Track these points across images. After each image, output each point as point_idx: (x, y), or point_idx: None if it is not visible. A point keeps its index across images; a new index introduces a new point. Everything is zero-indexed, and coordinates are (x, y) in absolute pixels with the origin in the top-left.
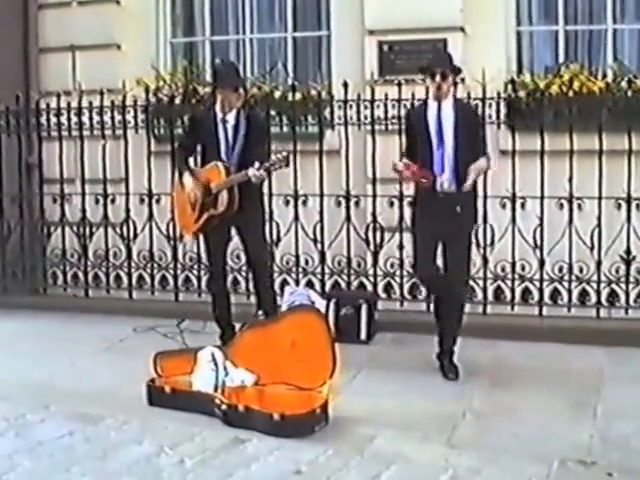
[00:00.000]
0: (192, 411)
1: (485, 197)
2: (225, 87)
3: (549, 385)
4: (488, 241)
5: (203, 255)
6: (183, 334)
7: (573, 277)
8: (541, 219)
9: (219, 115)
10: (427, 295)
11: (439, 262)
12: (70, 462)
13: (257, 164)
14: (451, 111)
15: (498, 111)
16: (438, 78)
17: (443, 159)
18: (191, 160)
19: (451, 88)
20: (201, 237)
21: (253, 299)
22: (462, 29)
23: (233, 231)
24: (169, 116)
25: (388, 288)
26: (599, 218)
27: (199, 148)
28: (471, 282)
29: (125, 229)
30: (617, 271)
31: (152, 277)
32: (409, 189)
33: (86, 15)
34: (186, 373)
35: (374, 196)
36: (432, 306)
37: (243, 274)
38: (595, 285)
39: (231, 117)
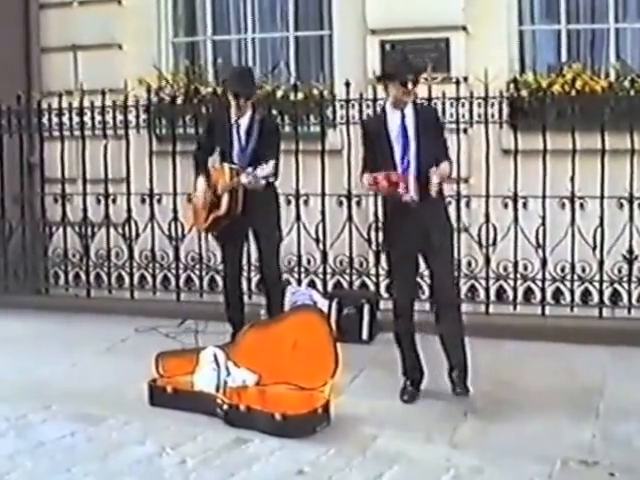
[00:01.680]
0: (194, 411)
1: (487, 197)
2: (234, 92)
3: (551, 385)
4: (490, 241)
5: (205, 255)
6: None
7: (575, 277)
8: (543, 218)
9: (233, 118)
10: (430, 295)
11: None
12: (71, 462)
13: (250, 169)
14: (412, 118)
15: (500, 110)
16: (410, 85)
17: (408, 168)
18: (210, 160)
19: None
20: (211, 240)
21: (255, 299)
22: (464, 28)
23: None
24: (171, 116)
25: (390, 288)
26: (601, 217)
27: (218, 149)
28: (473, 281)
29: (127, 229)
30: (619, 270)
31: (154, 277)
32: None
33: (87, 15)
34: (188, 373)
35: (376, 195)
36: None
37: (245, 274)
38: (598, 284)
39: (244, 121)
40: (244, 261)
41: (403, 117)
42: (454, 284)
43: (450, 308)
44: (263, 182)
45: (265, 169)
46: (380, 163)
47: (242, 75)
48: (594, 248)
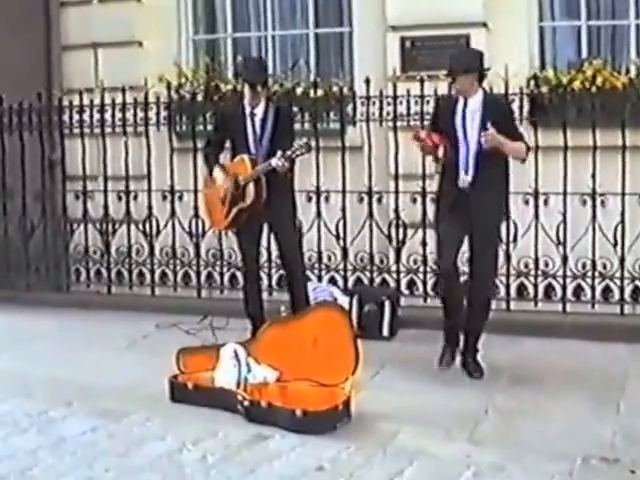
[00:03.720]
0: (214, 407)
1: (508, 193)
2: (250, 81)
3: (572, 382)
4: (511, 237)
5: (225, 251)
6: (214, 330)
7: (596, 273)
8: (564, 215)
9: (247, 109)
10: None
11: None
12: (93, 458)
13: (279, 153)
14: (479, 107)
15: (521, 107)
16: (460, 79)
17: (467, 156)
18: (221, 156)
19: (475, 84)
20: (232, 236)
21: (276, 295)
22: (485, 25)
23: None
24: (191, 113)
25: (411, 284)
26: (622, 214)
27: (228, 144)
28: (495, 278)
29: (147, 226)
30: None
31: (175, 274)
32: (432, 185)
33: (108, 12)
34: (209, 369)
35: (397, 192)
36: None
37: (265, 270)
38: (619, 281)
39: (259, 110)
40: (265, 257)
41: (465, 106)
42: (490, 278)
43: (479, 302)
44: (287, 164)
45: (297, 149)
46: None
47: (257, 64)
48: (615, 245)
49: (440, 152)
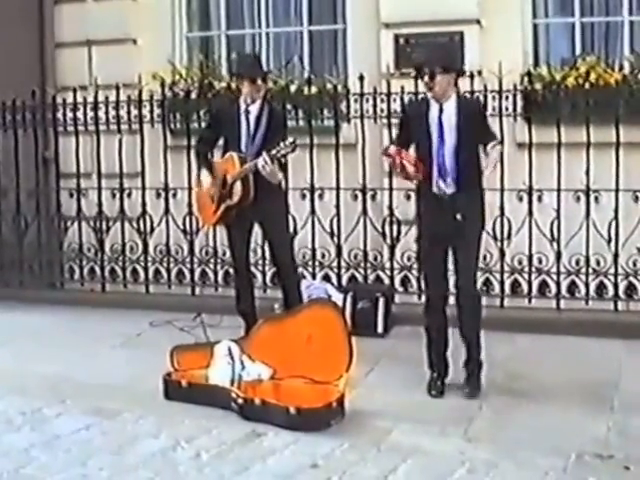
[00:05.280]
0: (208, 405)
1: (502, 190)
2: (249, 76)
3: (566, 378)
4: (505, 234)
5: (219, 249)
6: (205, 328)
7: (590, 270)
8: (558, 212)
9: (242, 106)
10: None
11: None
12: (86, 456)
13: (264, 153)
14: (454, 112)
15: (515, 103)
16: (426, 78)
17: (444, 162)
18: (214, 153)
19: (449, 87)
20: (225, 234)
21: (270, 293)
22: (478, 22)
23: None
24: (185, 110)
25: (405, 281)
26: (616, 210)
27: (221, 141)
28: (488, 275)
29: (142, 223)
30: (634, 264)
31: (169, 271)
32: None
33: (102, 10)
34: (202, 367)
35: (391, 189)
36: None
37: (259, 268)
38: (612, 278)
39: (254, 108)
40: (259, 254)
41: (441, 111)
42: (474, 279)
43: (467, 303)
44: (280, 176)
45: (282, 149)
46: (418, 150)
47: (254, 59)
48: (609, 241)
49: (411, 170)
